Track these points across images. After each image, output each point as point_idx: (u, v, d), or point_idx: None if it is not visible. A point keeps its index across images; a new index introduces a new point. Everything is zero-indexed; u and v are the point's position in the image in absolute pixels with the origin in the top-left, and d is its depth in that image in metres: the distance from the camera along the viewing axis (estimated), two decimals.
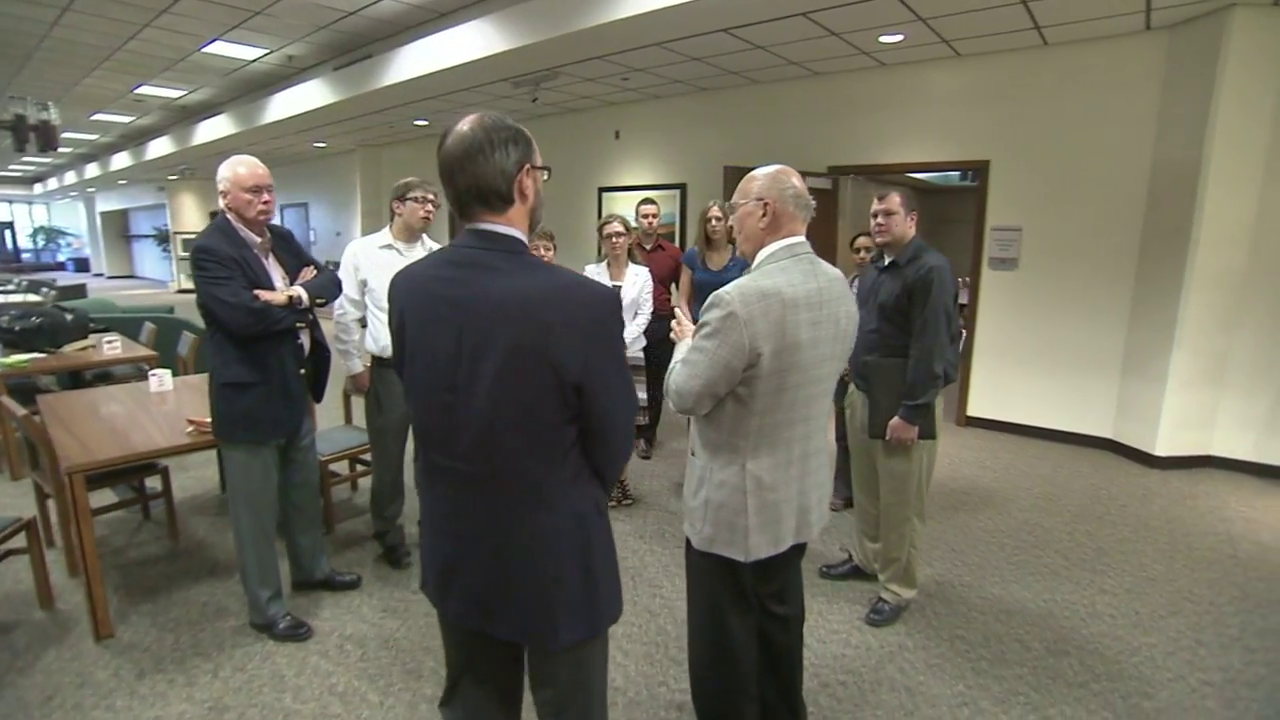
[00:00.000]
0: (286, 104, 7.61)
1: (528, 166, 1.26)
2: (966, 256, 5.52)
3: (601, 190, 7.72)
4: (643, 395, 3.77)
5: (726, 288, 1.62)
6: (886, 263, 2.77)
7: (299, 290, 2.44)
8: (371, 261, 2.93)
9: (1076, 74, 4.82)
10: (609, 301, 1.25)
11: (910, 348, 2.63)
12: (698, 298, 3.87)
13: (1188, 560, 3.40)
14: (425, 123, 8.33)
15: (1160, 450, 4.63)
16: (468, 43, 5.31)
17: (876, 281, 2.80)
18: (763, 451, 1.69)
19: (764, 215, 1.69)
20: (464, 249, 1.25)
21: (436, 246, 3.03)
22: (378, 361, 2.99)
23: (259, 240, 2.42)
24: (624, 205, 7.57)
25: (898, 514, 2.78)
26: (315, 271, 2.56)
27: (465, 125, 1.23)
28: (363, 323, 3.02)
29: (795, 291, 1.62)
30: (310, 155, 11.73)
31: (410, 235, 2.99)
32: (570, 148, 7.80)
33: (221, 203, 2.38)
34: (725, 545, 1.74)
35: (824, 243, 5.61)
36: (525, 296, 1.18)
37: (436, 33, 5.56)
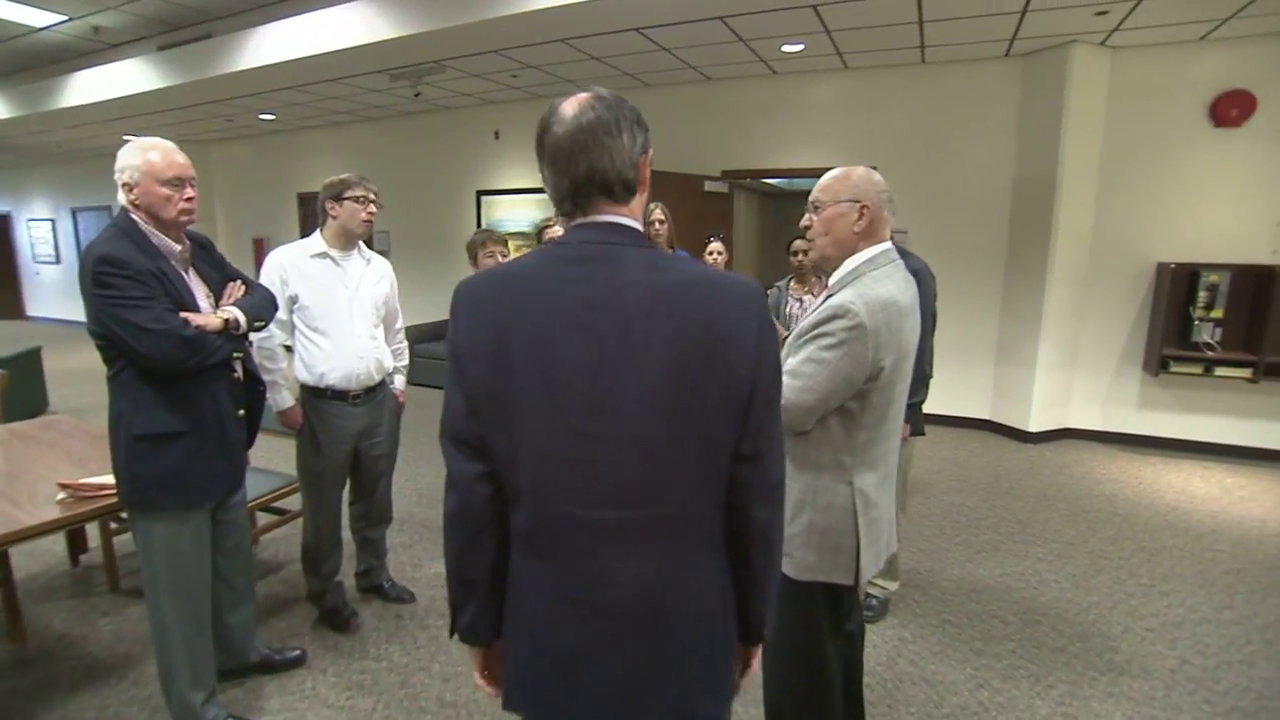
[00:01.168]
0: (91, 86, 6.32)
1: (650, 152, 1.07)
2: None
3: (481, 194, 7.28)
4: None
5: (847, 296, 1.50)
6: None
7: (235, 312, 1.95)
8: (302, 273, 2.46)
9: (950, 91, 5.31)
10: (763, 298, 1.06)
11: None
12: None
13: (1087, 522, 3.84)
14: (272, 117, 7.34)
15: (1032, 427, 5.24)
16: (345, 28, 4.73)
17: None
18: (866, 467, 1.59)
19: (860, 218, 1.58)
20: (587, 244, 1.01)
21: (373, 254, 2.63)
22: (311, 393, 2.51)
23: (178, 249, 1.91)
24: (506, 210, 7.23)
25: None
26: (244, 288, 2.07)
27: (585, 103, 1.01)
28: (288, 348, 2.52)
29: (905, 299, 1.55)
30: (116, 150, 9.89)
31: (347, 241, 2.54)
32: (446, 148, 7.27)
33: (124, 199, 1.84)
34: (829, 571, 1.61)
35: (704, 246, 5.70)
36: (682, 290, 0.97)
37: (302, 14, 4.89)
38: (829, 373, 1.47)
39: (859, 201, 1.59)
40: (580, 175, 1.00)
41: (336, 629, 2.66)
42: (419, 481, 4.32)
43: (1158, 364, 4.85)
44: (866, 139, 5.66)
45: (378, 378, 2.61)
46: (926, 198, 5.53)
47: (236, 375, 2.01)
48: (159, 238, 1.86)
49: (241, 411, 2.03)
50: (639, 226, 1.05)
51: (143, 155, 1.82)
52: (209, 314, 1.91)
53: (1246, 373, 4.66)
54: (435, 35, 4.52)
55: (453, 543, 1.07)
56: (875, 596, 2.91)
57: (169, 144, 1.87)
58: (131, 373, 1.81)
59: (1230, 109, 4.64)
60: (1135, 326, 5.09)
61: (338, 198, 2.47)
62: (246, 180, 9.25)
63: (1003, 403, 5.52)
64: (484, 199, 7.24)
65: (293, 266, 2.45)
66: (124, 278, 1.73)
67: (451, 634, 1.13)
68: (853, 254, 1.63)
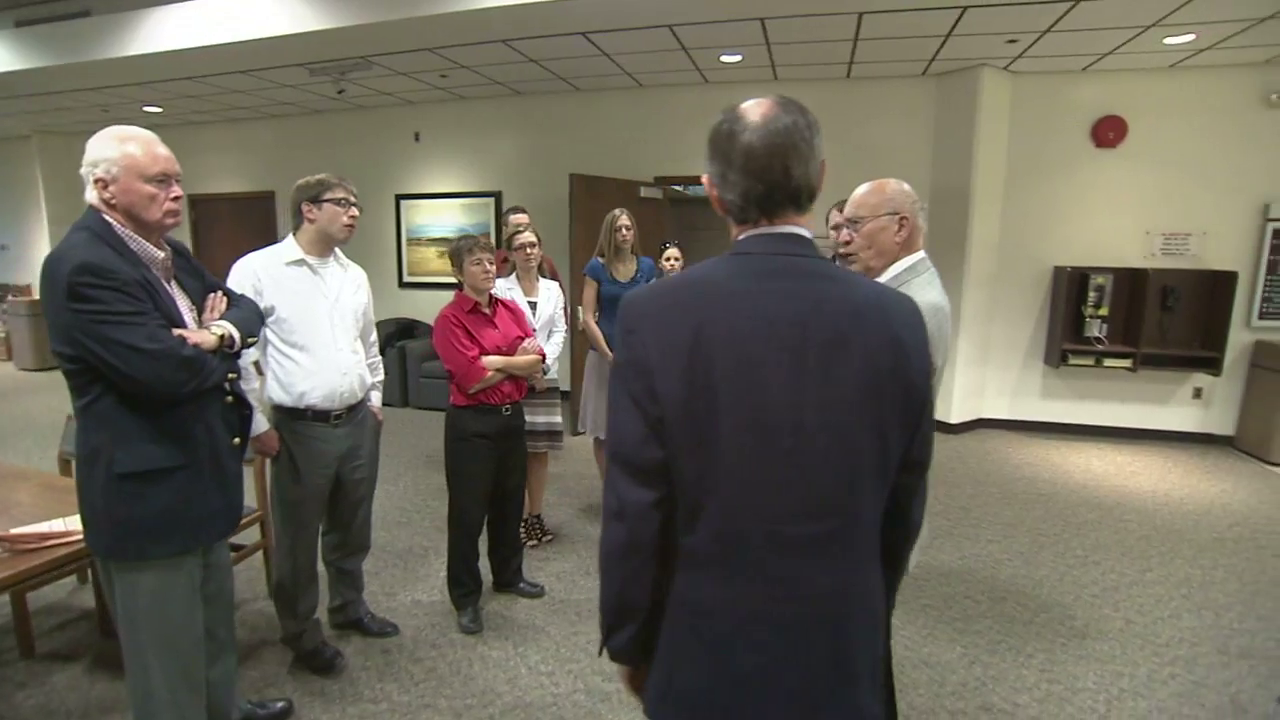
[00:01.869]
0: None
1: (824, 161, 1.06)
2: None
3: (400, 198, 6.92)
4: (556, 419, 3.46)
5: (902, 293, 1.55)
6: None
7: (228, 327, 1.74)
8: (277, 283, 2.23)
9: (872, 106, 5.65)
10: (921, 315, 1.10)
11: None
12: (605, 312, 3.68)
13: (1019, 504, 4.20)
14: (159, 110, 6.60)
15: (954, 419, 5.66)
16: (265, 17, 4.35)
17: None
18: None
19: (900, 229, 1.68)
20: (775, 255, 0.99)
21: (350, 263, 2.44)
22: (288, 414, 2.28)
23: (160, 256, 1.67)
24: (428, 215, 6.94)
25: None
26: (227, 300, 1.85)
27: (776, 108, 0.99)
28: (258, 366, 2.28)
29: (946, 304, 1.63)
30: None
31: (325, 248, 2.34)
32: (361, 150, 6.85)
33: (94, 197, 1.59)
34: None
35: (654, 250, 5.71)
36: (871, 304, 0.98)
37: None
38: None
39: (898, 213, 1.67)
40: (776, 182, 0.98)
41: (319, 672, 2.43)
42: (379, 503, 4.02)
43: (1058, 357, 5.40)
44: None
45: (360, 395, 2.42)
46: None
47: (230, 399, 1.79)
48: (139, 243, 1.62)
49: (236, 440, 1.81)
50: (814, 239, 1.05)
51: (121, 147, 1.57)
52: (201, 330, 1.69)
53: (1128, 363, 5.28)
54: (368, 29, 4.26)
55: (617, 574, 1.03)
56: None
57: (148, 133, 1.64)
58: (111, 401, 1.56)
59: (1108, 132, 5.26)
60: (1037, 324, 5.63)
61: (315, 200, 2.26)
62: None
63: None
64: (404, 203, 6.89)
65: (267, 275, 2.22)
66: (110, 290, 1.49)
67: (600, 652, 1.12)
68: (895, 262, 1.71)
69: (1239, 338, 5.23)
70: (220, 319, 1.76)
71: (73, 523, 2.11)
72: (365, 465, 2.49)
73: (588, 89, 6.14)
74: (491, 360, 2.60)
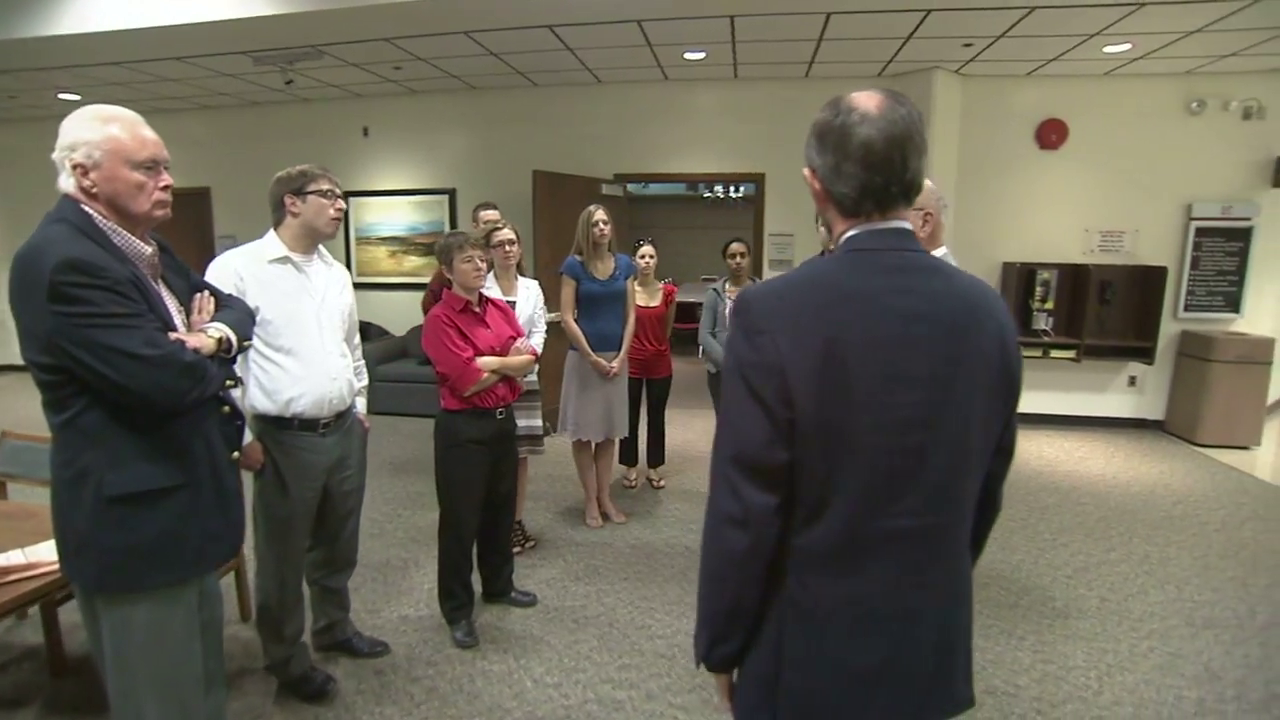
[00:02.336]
0: None
1: None
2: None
3: (348, 195, 6.61)
4: (535, 422, 3.37)
5: None
6: None
7: (225, 330, 1.59)
8: (261, 282, 2.06)
9: None
10: None
11: None
12: (584, 311, 3.60)
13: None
14: (76, 98, 6.06)
15: None
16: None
17: None
18: None
19: (924, 224, 1.69)
20: (890, 251, 1.00)
21: (333, 260, 2.29)
22: (274, 424, 2.11)
23: (147, 253, 1.51)
24: (378, 213, 6.68)
25: None
26: (215, 300, 1.69)
27: (890, 101, 0.99)
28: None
29: None
30: None
31: (310, 243, 2.18)
32: (308, 145, 6.48)
33: (71, 185, 1.41)
34: None
35: (617, 248, 5.63)
36: (979, 297, 1.02)
37: None
38: None
39: (923, 209, 1.69)
40: (895, 176, 0.97)
41: (310, 699, 2.26)
42: None
43: None
44: (754, 147, 5.96)
45: (349, 401, 2.27)
46: (807, 204, 5.86)
47: (225, 409, 1.64)
48: (124, 237, 1.45)
49: (235, 454, 1.65)
50: None
51: (103, 129, 1.40)
52: (197, 333, 1.53)
53: (1072, 353, 5.58)
54: (323, 16, 4.03)
55: (734, 582, 1.01)
56: None
57: (132, 114, 1.47)
58: (99, 415, 1.39)
59: (1050, 134, 5.53)
60: None
61: (299, 192, 2.11)
62: (29, 176, 7.55)
63: None
64: (352, 201, 6.58)
65: (250, 275, 2.05)
66: (101, 289, 1.32)
67: (699, 664, 1.10)
68: None
69: (1168, 328, 5.60)
70: (212, 320, 1.60)
71: (36, 553, 1.90)
72: (354, 475, 2.34)
73: (545, 84, 6.03)
74: (487, 361, 2.49)
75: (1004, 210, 5.72)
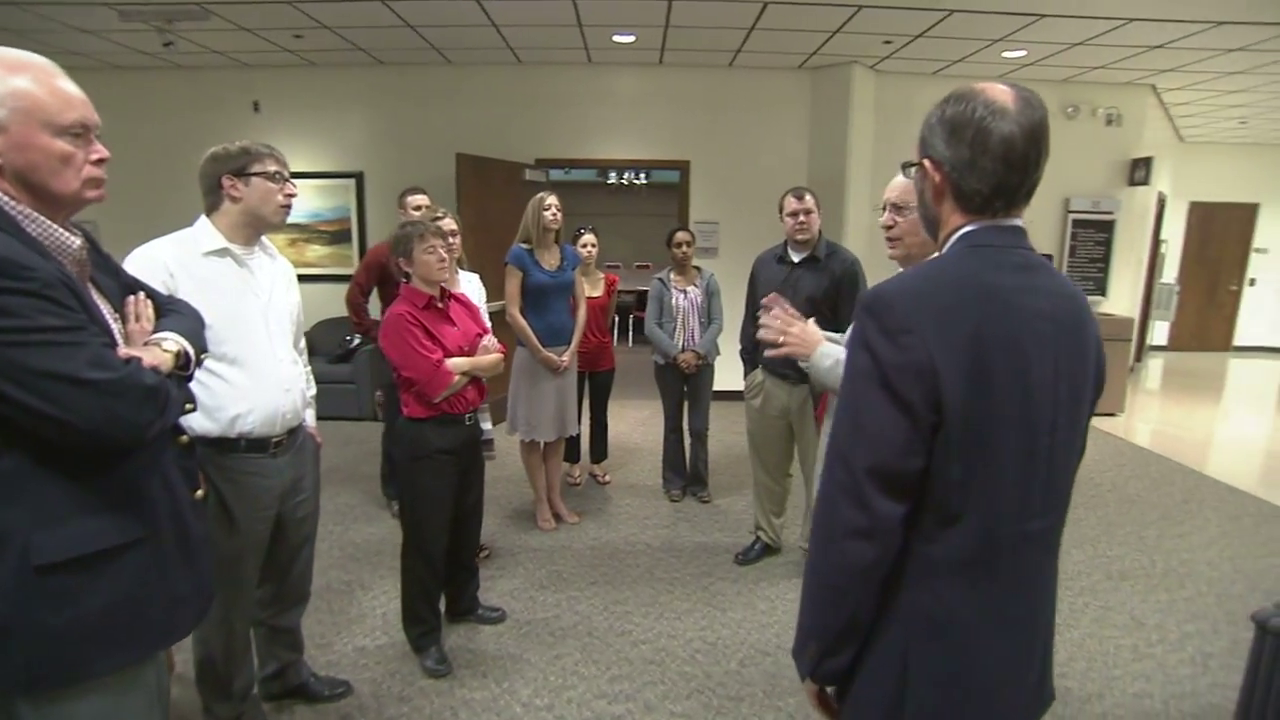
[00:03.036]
0: None
1: None
2: None
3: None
4: (487, 425, 3.15)
5: None
6: (799, 258, 2.95)
7: (181, 342, 1.30)
8: (197, 279, 1.74)
9: (751, 95, 5.81)
10: None
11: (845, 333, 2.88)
12: (532, 304, 3.40)
13: None
14: None
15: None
16: None
17: (792, 276, 2.96)
18: None
19: None
20: (1014, 249, 0.99)
21: (277, 252, 2.00)
22: (216, 447, 1.80)
23: (74, 246, 1.19)
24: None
25: None
26: (152, 304, 1.39)
27: (1024, 97, 0.96)
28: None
29: None
30: None
31: (252, 234, 1.87)
32: (188, 120, 5.72)
33: None
34: None
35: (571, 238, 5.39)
36: (1083, 299, 1.04)
37: None
38: None
39: None
40: (1029, 175, 0.96)
41: None
42: None
43: None
44: (678, 135, 5.92)
45: (304, 415, 1.98)
46: (733, 193, 6.00)
47: (184, 438, 1.35)
48: (42, 226, 1.12)
49: (199, 493, 1.37)
50: None
51: (9, 80, 1.07)
52: (149, 348, 1.24)
53: None
54: None
55: (854, 596, 0.96)
56: None
57: (46, 61, 1.14)
58: (18, 459, 1.06)
59: None
60: None
61: (240, 173, 1.79)
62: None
63: None
64: None
65: (183, 270, 1.72)
66: (24, 294, 1.02)
67: (804, 678, 1.06)
68: (929, 252, 1.72)
69: None
70: (163, 330, 1.31)
71: None
72: (309, 499, 2.06)
73: (462, 62, 5.67)
74: (457, 363, 2.26)
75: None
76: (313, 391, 2.14)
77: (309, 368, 2.15)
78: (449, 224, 2.94)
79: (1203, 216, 8.68)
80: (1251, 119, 7.25)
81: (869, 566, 0.94)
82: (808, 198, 2.89)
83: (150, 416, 1.13)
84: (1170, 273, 8.52)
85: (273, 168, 1.83)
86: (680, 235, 3.98)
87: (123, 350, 1.16)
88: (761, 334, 1.80)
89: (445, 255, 2.27)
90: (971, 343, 0.89)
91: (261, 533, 1.90)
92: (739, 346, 3.34)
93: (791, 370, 2.94)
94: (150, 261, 1.69)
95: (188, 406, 1.31)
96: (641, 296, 8.19)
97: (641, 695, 2.31)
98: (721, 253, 6.12)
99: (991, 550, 0.95)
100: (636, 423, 5.64)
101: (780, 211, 2.98)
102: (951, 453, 0.91)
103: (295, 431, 1.97)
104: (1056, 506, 1.01)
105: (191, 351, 1.32)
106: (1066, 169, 5.99)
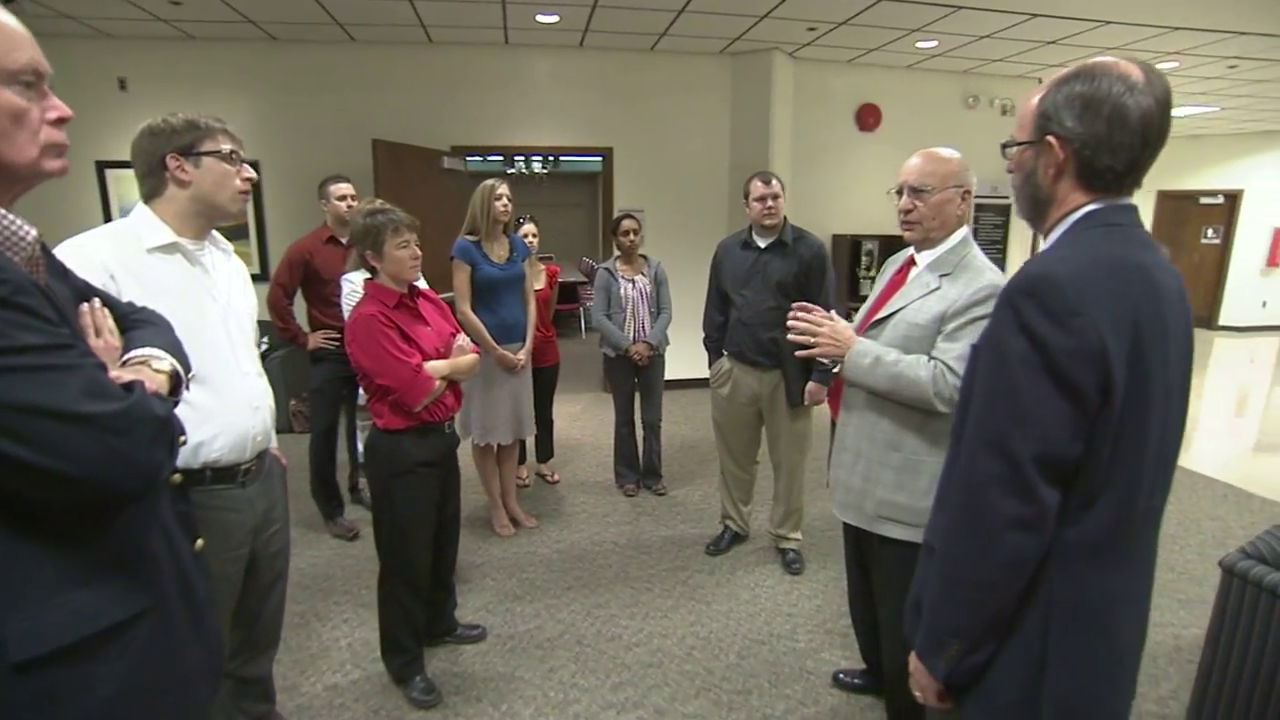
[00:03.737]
0: None
1: None
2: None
3: (103, 165, 5.18)
4: None
5: (989, 273, 1.66)
6: (766, 243, 2.93)
7: (167, 359, 1.08)
8: (142, 280, 1.46)
9: (672, 80, 5.76)
10: None
11: None
12: (482, 300, 3.20)
13: None
14: None
15: None
16: None
17: (760, 261, 2.93)
18: None
19: (963, 202, 1.72)
20: (1138, 228, 1.00)
21: (229, 245, 1.74)
22: (186, 479, 1.52)
23: (30, 238, 0.93)
24: None
25: (800, 470, 3.07)
26: (109, 312, 1.13)
27: (1155, 72, 0.96)
28: None
29: None
30: None
31: (204, 224, 1.60)
32: None
33: None
34: None
35: (455, 226, 4.95)
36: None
37: None
38: None
39: (962, 187, 1.72)
40: (1155, 152, 0.96)
41: None
42: None
43: (844, 315, 6.18)
44: (599, 120, 5.79)
45: (272, 435, 1.73)
46: (657, 179, 5.95)
47: (177, 476, 1.11)
48: None
49: (200, 542, 1.14)
50: None
51: None
52: (135, 367, 1.02)
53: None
54: None
55: (1004, 589, 0.95)
56: (795, 550, 3.13)
57: None
58: None
59: (868, 118, 6.12)
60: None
61: (187, 151, 1.53)
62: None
63: None
64: (109, 173, 5.17)
65: (124, 270, 1.44)
66: (9, 307, 0.78)
67: (942, 679, 1.03)
68: (950, 236, 1.74)
69: None
70: (136, 346, 1.07)
71: None
72: (282, 530, 1.81)
73: (367, 40, 5.23)
74: (437, 366, 2.06)
75: (832, 186, 6.22)
76: (270, 401, 1.88)
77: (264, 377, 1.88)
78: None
79: None
80: None
81: (1030, 559, 0.92)
82: (774, 182, 2.87)
83: (162, 457, 0.92)
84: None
85: (227, 146, 1.57)
86: (627, 222, 3.87)
87: (113, 373, 0.94)
88: (792, 336, 1.77)
89: (419, 251, 2.05)
90: (1133, 324, 0.89)
91: (234, 575, 1.65)
92: (701, 335, 3.29)
93: (762, 357, 2.94)
94: (84, 262, 1.39)
95: (181, 439, 1.08)
96: (561, 289, 7.97)
97: (649, 700, 2.22)
98: (647, 241, 6.04)
99: (1124, 529, 0.96)
100: (572, 417, 5.50)
101: (746, 196, 2.94)
102: (1106, 435, 0.90)
103: (263, 455, 1.72)
104: (1169, 481, 1.02)
105: (181, 371, 1.09)
106: (968, 155, 6.23)
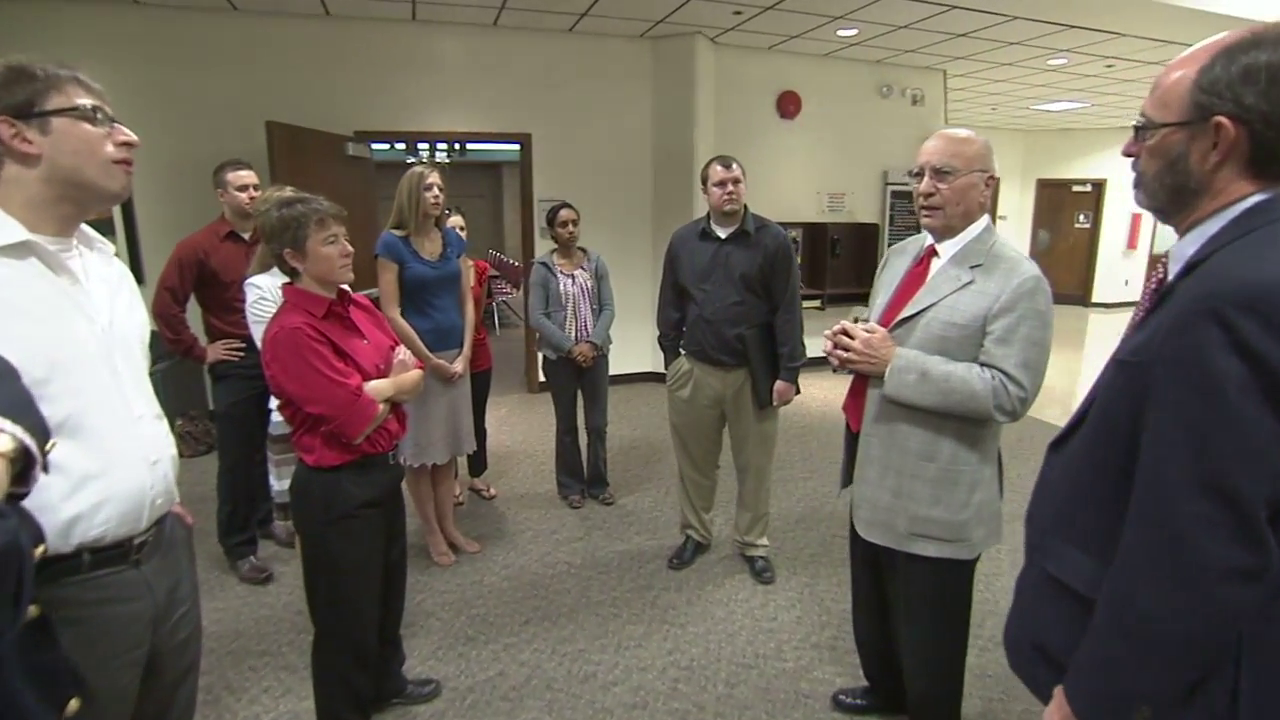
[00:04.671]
0: None
1: None
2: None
3: None
4: None
5: (1026, 262, 1.54)
6: (726, 233, 2.74)
7: (10, 431, 0.72)
8: None
9: (592, 63, 5.47)
10: None
11: (780, 314, 2.74)
12: (413, 302, 2.82)
13: (798, 440, 4.70)
14: None
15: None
16: None
17: (721, 253, 2.73)
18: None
19: (986, 188, 1.58)
20: None
21: (105, 242, 1.33)
22: (45, 572, 1.11)
23: None
24: None
25: (767, 473, 2.91)
26: None
27: None
28: None
29: None
30: None
31: (70, 213, 1.18)
32: None
33: None
34: (983, 540, 1.68)
35: (362, 220, 4.46)
36: None
37: None
38: (1045, 350, 1.53)
39: (987, 172, 1.58)
40: None
41: None
42: None
43: None
44: (516, 105, 5.42)
45: (175, 493, 1.34)
46: (580, 166, 5.66)
47: (34, 610, 0.76)
48: None
49: (75, 703, 0.79)
50: None
51: None
52: None
53: (818, 303, 6.34)
54: None
55: (1213, 647, 0.80)
56: (765, 558, 2.98)
57: None
58: None
59: (789, 105, 6.08)
60: None
61: (27, 112, 1.10)
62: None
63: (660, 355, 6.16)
64: None
65: None
66: None
67: None
68: (972, 223, 1.61)
69: None
70: None
71: None
72: (191, 611, 1.41)
73: (254, 10, 4.59)
74: (379, 387, 1.71)
75: (755, 173, 6.08)
76: (173, 451, 1.47)
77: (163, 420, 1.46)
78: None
79: None
80: (1001, 106, 8.52)
81: (1245, 612, 0.76)
82: (735, 166, 2.67)
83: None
84: None
85: (85, 100, 1.14)
86: (565, 212, 3.57)
87: None
88: (831, 360, 1.60)
89: (350, 247, 1.69)
90: None
91: (128, 685, 1.25)
92: (656, 333, 3.06)
93: (727, 355, 2.75)
94: None
95: (38, 551, 0.73)
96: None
97: None
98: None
99: None
100: (500, 421, 5.13)
101: (704, 182, 2.73)
102: None
103: (164, 521, 1.32)
104: None
105: (32, 445, 0.74)
106: (883, 144, 6.51)
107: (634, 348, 6.03)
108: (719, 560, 3.10)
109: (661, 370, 6.08)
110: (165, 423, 1.32)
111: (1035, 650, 0.97)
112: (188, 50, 4.60)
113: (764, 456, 2.87)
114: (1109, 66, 6.50)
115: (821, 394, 5.85)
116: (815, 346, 6.76)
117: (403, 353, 1.87)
